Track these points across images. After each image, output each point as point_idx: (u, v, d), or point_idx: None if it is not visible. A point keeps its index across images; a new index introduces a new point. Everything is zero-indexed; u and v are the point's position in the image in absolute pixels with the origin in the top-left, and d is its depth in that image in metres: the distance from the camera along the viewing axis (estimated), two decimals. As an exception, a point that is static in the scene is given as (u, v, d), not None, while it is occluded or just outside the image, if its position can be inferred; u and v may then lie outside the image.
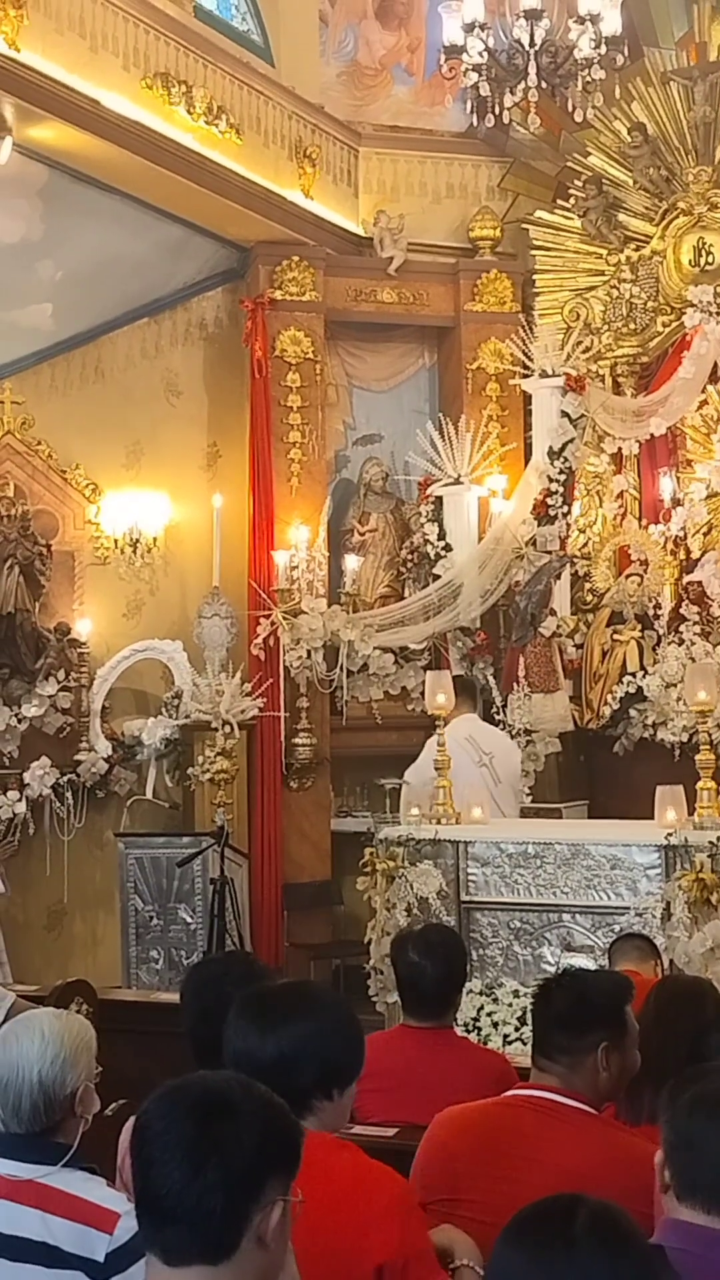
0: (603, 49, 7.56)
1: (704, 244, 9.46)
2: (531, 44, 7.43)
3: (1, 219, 8.12)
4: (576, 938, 6.40)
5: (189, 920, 7.92)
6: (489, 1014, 5.97)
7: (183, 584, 9.46)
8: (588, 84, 7.62)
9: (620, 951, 4.82)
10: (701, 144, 9.57)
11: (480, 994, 6.04)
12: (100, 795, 8.74)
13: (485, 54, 7.55)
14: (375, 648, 9.28)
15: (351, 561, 9.52)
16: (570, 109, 7.85)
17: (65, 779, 8.43)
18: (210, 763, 8.49)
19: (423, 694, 7.96)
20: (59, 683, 8.51)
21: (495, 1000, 6.26)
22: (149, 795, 8.87)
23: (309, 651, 9.09)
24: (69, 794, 8.47)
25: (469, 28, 7.56)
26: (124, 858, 8.18)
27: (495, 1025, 6.03)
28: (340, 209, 9.99)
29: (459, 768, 8.10)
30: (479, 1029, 6.07)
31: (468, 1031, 5.95)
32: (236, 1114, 1.89)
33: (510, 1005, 6.24)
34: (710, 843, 6.23)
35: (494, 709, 8.98)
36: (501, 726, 8.69)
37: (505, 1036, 6.05)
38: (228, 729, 8.55)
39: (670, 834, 6.39)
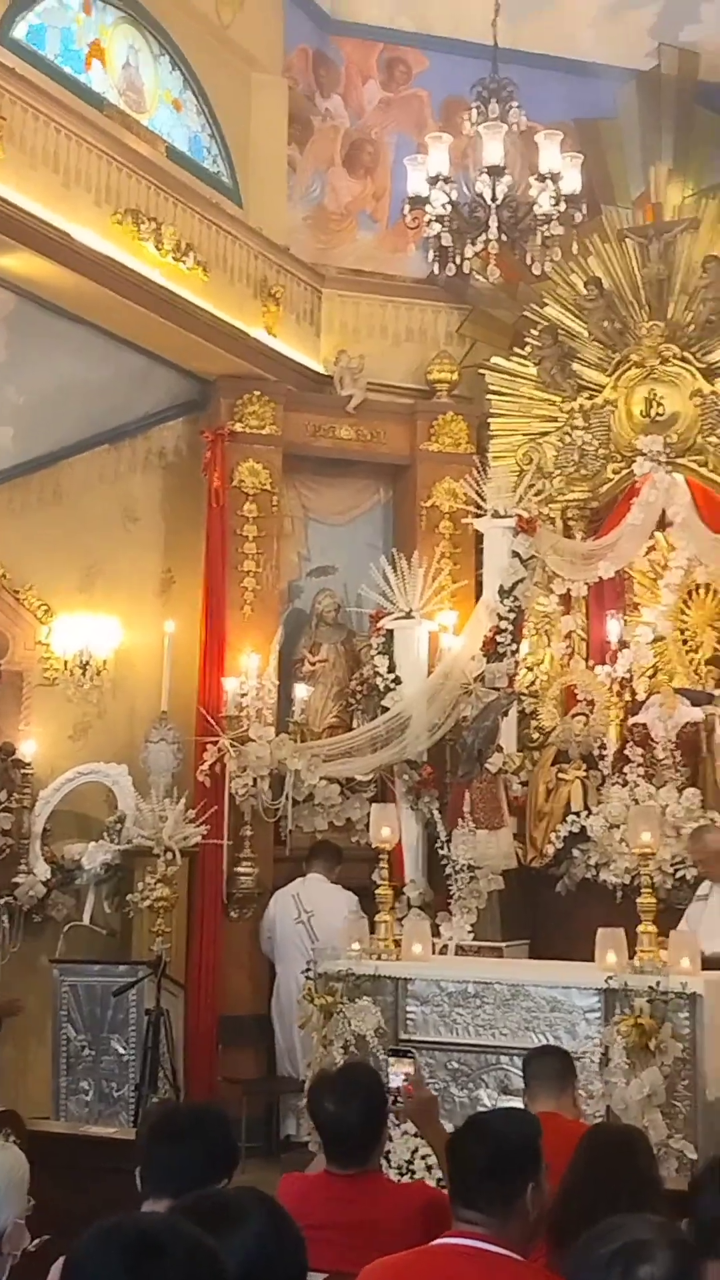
0: (562, 206, 7.81)
1: (655, 396, 9.71)
2: (493, 198, 7.67)
3: (-32, 343, 8.24)
4: (514, 1081, 6.33)
5: (122, 1052, 7.77)
6: (423, 1156, 5.88)
7: (131, 708, 9.44)
8: (546, 238, 7.86)
9: (535, 1096, 4.72)
10: (654, 300, 9.85)
11: (415, 1135, 5.95)
12: (37, 919, 8.61)
13: (448, 206, 7.78)
14: (321, 778, 9.27)
15: (301, 690, 9.56)
16: (529, 261, 8.07)
17: (2, 902, 8.32)
18: (150, 889, 8.40)
19: (368, 826, 7.95)
20: (0, 803, 8.43)
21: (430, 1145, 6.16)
22: (86, 921, 8.74)
23: (255, 779, 9.08)
24: (4, 917, 8.34)
25: (433, 180, 7.80)
26: (58, 985, 8.04)
27: (429, 1168, 5.93)
28: (302, 347, 10.21)
29: (280, 922, 8.54)
30: (413, 1171, 5.97)
31: (401, 1174, 5.86)
32: (166, 1256, 1.87)
33: (445, 1148, 6.14)
34: (650, 987, 6.22)
35: (438, 843, 8.98)
36: (444, 862, 8.69)
37: (439, 1180, 5.95)
38: (169, 856, 8.48)
39: (610, 977, 6.38)
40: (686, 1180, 4.70)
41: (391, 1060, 4.61)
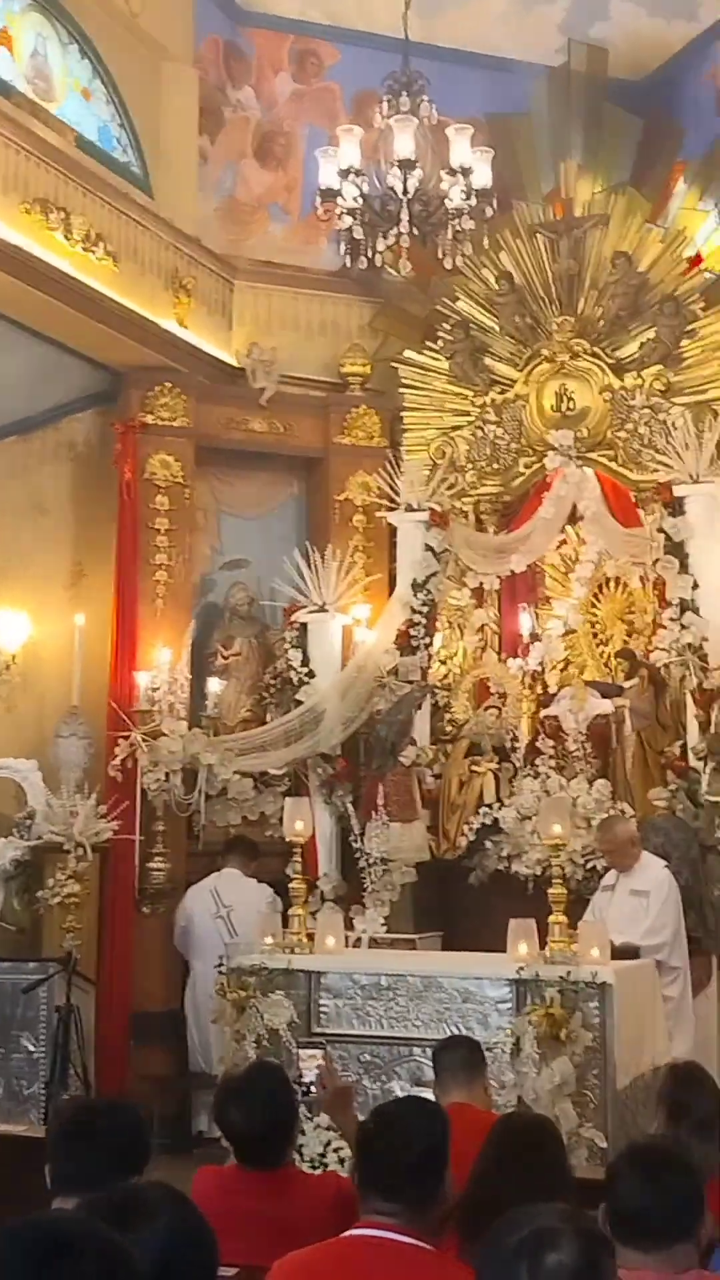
0: (473, 200, 7.84)
1: (565, 390, 9.76)
2: (404, 192, 7.68)
3: None
4: (426, 1073, 6.34)
5: (31, 1049, 7.69)
6: (336, 1149, 5.88)
7: (40, 702, 9.35)
8: (457, 233, 7.88)
9: (446, 1087, 4.75)
10: (565, 295, 9.91)
11: (328, 1129, 5.95)
12: (-55, 917, 8.51)
13: (360, 199, 7.78)
14: (235, 772, 9.24)
15: (214, 684, 9.51)
16: (440, 255, 8.08)
17: None
18: (61, 886, 8.32)
19: (281, 820, 7.94)
20: None
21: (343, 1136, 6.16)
22: (-4, 918, 8.66)
23: (167, 774, 9.02)
24: None
25: (344, 173, 7.79)
26: (-35, 983, 7.95)
27: (342, 1162, 5.93)
28: (214, 339, 10.16)
29: (198, 917, 8.42)
30: (325, 1164, 5.97)
31: (314, 1167, 5.85)
32: (77, 1256, 1.84)
33: (358, 1141, 6.14)
34: (560, 977, 6.28)
35: (351, 836, 8.98)
36: (358, 856, 8.71)
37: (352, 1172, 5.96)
38: (80, 851, 8.41)
39: (521, 968, 6.42)
40: (597, 1168, 4.75)
41: (301, 1053, 4.61)
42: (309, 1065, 4.52)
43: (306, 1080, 4.49)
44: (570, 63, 10.41)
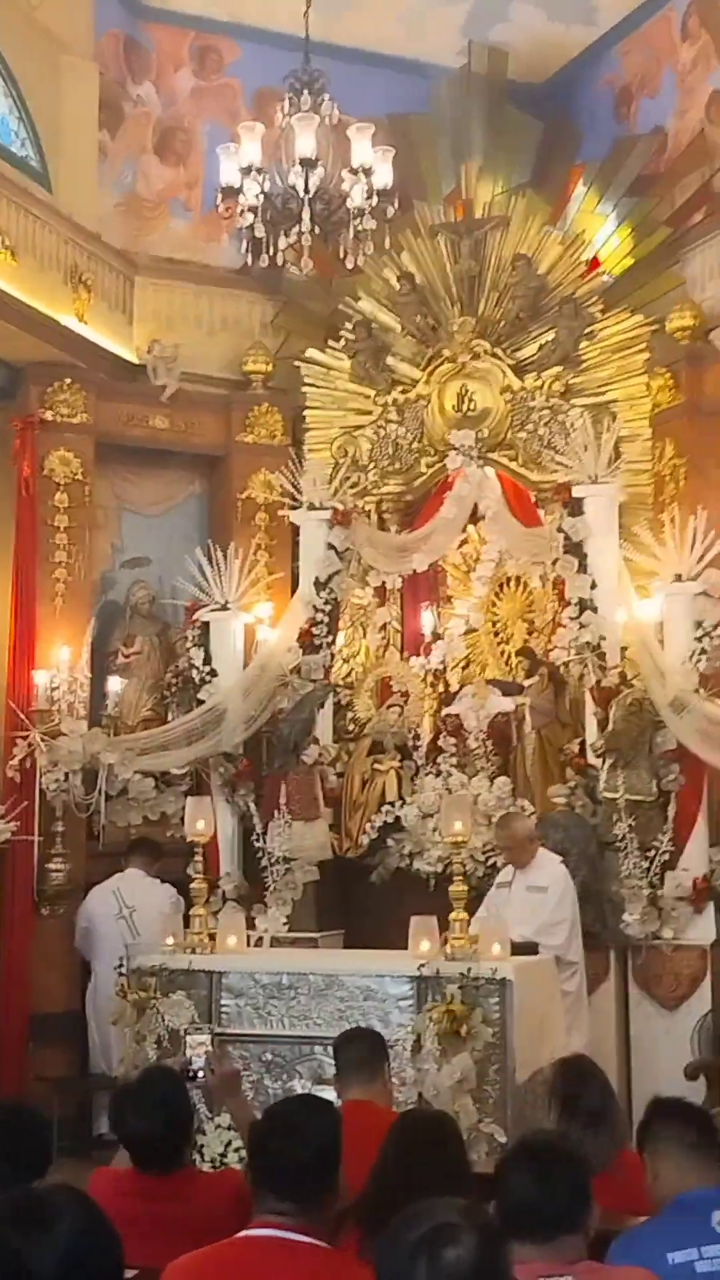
0: (374, 200, 7.83)
1: (466, 391, 9.81)
2: (306, 190, 7.66)
3: None
4: (328, 1070, 6.35)
5: (-72, 1054, 7.61)
6: (236, 1149, 5.87)
7: (-62, 703, 9.22)
8: (359, 232, 7.87)
9: (346, 1083, 4.76)
10: (466, 296, 9.97)
11: (229, 1129, 5.94)
12: None
13: (261, 196, 7.75)
14: (136, 772, 9.17)
15: (114, 683, 9.44)
16: (342, 255, 8.08)
17: None
18: (-41, 888, 8.24)
19: (183, 819, 7.90)
20: None
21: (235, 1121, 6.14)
22: None
23: (67, 774, 8.93)
24: None
25: (246, 170, 7.75)
26: None
27: (241, 1160, 5.92)
28: (114, 336, 10.07)
29: (100, 918, 8.38)
30: (225, 1164, 5.95)
31: (215, 1167, 5.83)
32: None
33: (260, 1141, 6.12)
34: (461, 974, 6.31)
35: (253, 835, 8.97)
36: (260, 855, 8.70)
37: (252, 1171, 5.94)
38: (-21, 853, 8.32)
39: (423, 965, 6.45)
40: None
41: (189, 1040, 4.64)
42: (197, 1051, 4.56)
43: (195, 1066, 4.53)
44: (471, 64, 10.48)
